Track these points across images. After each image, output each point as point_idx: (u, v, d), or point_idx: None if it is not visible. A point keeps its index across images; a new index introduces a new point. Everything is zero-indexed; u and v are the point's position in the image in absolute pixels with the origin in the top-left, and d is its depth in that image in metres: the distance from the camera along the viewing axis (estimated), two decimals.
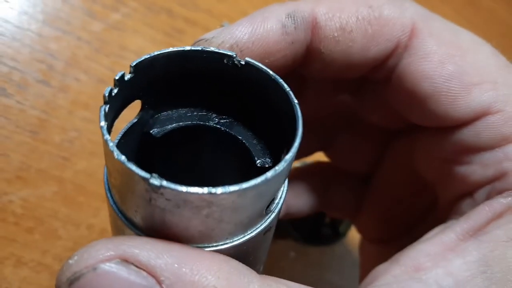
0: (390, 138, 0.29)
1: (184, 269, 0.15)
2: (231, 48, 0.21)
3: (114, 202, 0.18)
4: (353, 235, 0.44)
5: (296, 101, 0.18)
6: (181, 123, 0.21)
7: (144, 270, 0.15)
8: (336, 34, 0.22)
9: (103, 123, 0.16)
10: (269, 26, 0.21)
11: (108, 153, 0.15)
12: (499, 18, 0.69)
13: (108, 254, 0.15)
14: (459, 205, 0.24)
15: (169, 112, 0.21)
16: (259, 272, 0.18)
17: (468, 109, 0.22)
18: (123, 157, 0.14)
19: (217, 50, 0.19)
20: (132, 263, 0.15)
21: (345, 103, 0.29)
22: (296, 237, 0.40)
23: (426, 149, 0.25)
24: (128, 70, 0.18)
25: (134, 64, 0.18)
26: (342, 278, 0.43)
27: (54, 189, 0.35)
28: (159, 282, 0.15)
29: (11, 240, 0.33)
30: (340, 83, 0.27)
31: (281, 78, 0.19)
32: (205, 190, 0.14)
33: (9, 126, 0.35)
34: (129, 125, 0.20)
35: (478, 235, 0.20)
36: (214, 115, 0.22)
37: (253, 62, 0.19)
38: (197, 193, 0.14)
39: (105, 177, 0.18)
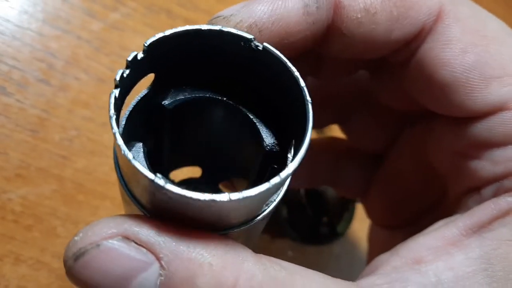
0: (405, 123, 0.28)
1: (181, 247, 0.16)
2: (249, 27, 0.20)
3: (122, 177, 0.18)
4: (351, 235, 0.44)
5: (309, 99, 0.17)
6: (193, 95, 0.21)
7: (144, 247, 0.16)
8: (359, 16, 0.21)
9: (112, 113, 0.16)
10: (290, 5, 0.20)
11: (117, 145, 0.15)
12: (500, 18, 0.69)
13: (110, 232, 0.16)
14: (466, 200, 0.23)
15: (181, 86, 0.21)
16: (253, 247, 0.18)
17: (484, 102, 0.21)
18: (130, 156, 0.15)
19: (235, 32, 0.18)
20: (133, 241, 0.16)
21: (363, 81, 0.28)
22: (294, 237, 0.40)
23: (439, 139, 0.25)
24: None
25: (148, 43, 0.17)
26: (340, 277, 0.43)
27: (53, 187, 0.35)
28: (158, 259, 0.16)
29: (10, 237, 0.33)
30: (358, 61, 0.26)
31: (298, 61, 0.18)
32: (207, 196, 0.14)
33: (9, 125, 0.35)
34: (140, 95, 0.20)
35: (481, 232, 0.20)
36: (225, 94, 0.21)
37: (270, 49, 0.18)
38: (198, 199, 0.15)
39: (115, 152, 0.18)
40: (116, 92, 0.16)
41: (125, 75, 0.17)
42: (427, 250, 0.20)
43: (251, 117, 0.21)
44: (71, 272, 0.16)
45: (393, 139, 0.29)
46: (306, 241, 0.40)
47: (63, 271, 0.37)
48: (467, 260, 0.19)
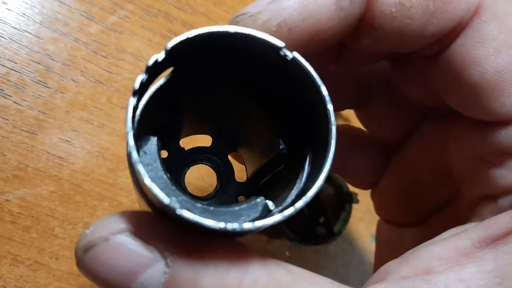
0: (424, 116, 0.27)
1: (187, 247, 0.16)
2: (278, 26, 0.18)
3: (137, 180, 0.18)
4: (348, 235, 0.45)
5: (334, 122, 0.17)
6: (214, 87, 0.20)
7: (151, 244, 0.16)
8: (393, 10, 0.19)
9: (129, 127, 0.15)
10: (321, 0, 0.19)
11: (131, 163, 0.15)
12: None
13: (120, 227, 0.16)
14: (481, 207, 0.23)
15: (200, 79, 0.20)
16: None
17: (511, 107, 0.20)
18: (147, 180, 0.15)
19: (265, 38, 0.17)
20: (141, 237, 0.16)
21: (384, 69, 0.27)
22: (291, 237, 0.40)
23: (459, 139, 0.24)
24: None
25: (170, 46, 0.16)
26: (337, 277, 0.43)
27: (51, 188, 0.35)
28: (164, 257, 0.16)
29: (8, 238, 0.33)
30: (382, 53, 0.25)
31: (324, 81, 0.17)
32: (220, 225, 0.15)
33: (7, 127, 0.35)
34: (158, 85, 0.19)
35: (496, 245, 0.19)
36: (243, 93, 0.21)
37: (300, 61, 0.17)
38: (210, 227, 0.15)
39: (128, 150, 0.18)
40: (134, 101, 0.16)
41: (144, 81, 0.16)
42: (438, 260, 0.19)
43: (270, 113, 0.21)
44: (80, 264, 0.16)
45: (410, 131, 0.28)
46: (303, 241, 0.41)
47: (61, 271, 0.37)
48: (479, 273, 0.18)
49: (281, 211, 0.16)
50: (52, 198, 0.35)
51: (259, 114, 0.21)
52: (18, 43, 0.38)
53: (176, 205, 0.15)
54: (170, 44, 0.16)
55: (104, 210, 0.36)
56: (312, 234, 0.41)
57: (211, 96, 0.21)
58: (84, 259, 0.16)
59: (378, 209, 0.32)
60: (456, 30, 0.20)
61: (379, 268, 0.21)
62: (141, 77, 0.16)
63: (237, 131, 0.25)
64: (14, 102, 0.36)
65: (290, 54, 0.17)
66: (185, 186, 0.25)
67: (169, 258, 0.16)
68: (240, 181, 0.26)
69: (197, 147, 0.26)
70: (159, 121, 0.20)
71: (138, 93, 0.16)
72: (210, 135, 0.27)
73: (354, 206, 0.43)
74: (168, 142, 0.23)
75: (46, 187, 0.35)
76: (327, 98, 0.17)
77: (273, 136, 0.21)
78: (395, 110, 0.29)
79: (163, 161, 0.18)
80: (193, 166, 0.26)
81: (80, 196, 0.36)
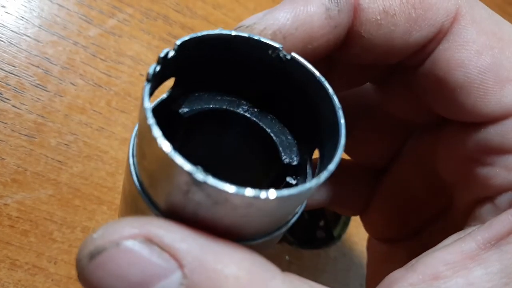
0: (411, 133, 0.28)
1: (207, 256, 0.15)
2: (274, 34, 0.20)
3: (140, 182, 0.17)
4: (348, 239, 0.45)
5: (339, 105, 0.17)
6: (210, 106, 0.21)
7: (167, 252, 0.14)
8: (379, 18, 0.21)
9: (147, 104, 0.15)
10: (312, 10, 0.20)
11: (149, 139, 0.14)
12: None
13: (133, 231, 0.14)
14: (478, 210, 0.22)
15: (200, 93, 0.21)
16: None
17: (498, 105, 0.21)
18: (170, 149, 0.14)
19: (264, 40, 0.18)
20: (156, 244, 0.14)
21: (368, 90, 0.28)
22: (290, 241, 0.40)
23: (449, 145, 0.24)
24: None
25: (179, 42, 0.17)
26: (337, 281, 0.43)
27: (49, 192, 0.35)
28: (181, 266, 0.14)
29: (6, 243, 0.33)
30: (368, 69, 0.26)
31: (325, 78, 0.18)
32: (250, 192, 0.14)
33: (5, 130, 0.35)
34: (158, 100, 0.19)
35: (500, 245, 0.19)
36: (245, 103, 0.21)
37: (298, 59, 0.18)
38: (242, 195, 0.14)
39: (131, 154, 0.18)
40: (148, 86, 0.16)
41: (157, 70, 0.16)
42: (444, 265, 0.19)
43: (268, 131, 0.21)
44: (84, 273, 0.14)
45: (397, 150, 0.29)
46: (302, 245, 0.40)
47: (59, 276, 0.37)
48: (486, 275, 0.18)
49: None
50: (51, 202, 0.35)
51: (259, 141, 0.21)
52: (17, 47, 0.38)
53: (201, 176, 0.13)
54: (180, 40, 0.17)
55: (103, 214, 0.36)
56: (312, 238, 0.41)
57: (208, 119, 0.21)
58: (88, 267, 0.14)
59: (368, 229, 0.32)
60: (438, 36, 0.21)
61: (382, 279, 0.20)
62: (154, 65, 0.16)
63: (234, 167, 0.24)
64: (13, 106, 0.36)
65: (288, 55, 0.18)
66: None
67: (187, 268, 0.14)
68: None
69: None
70: None
71: (151, 82, 0.16)
72: None
73: None
74: None
75: (45, 191, 0.35)
76: (330, 88, 0.18)
77: (275, 164, 0.21)
78: (380, 132, 0.29)
79: None
80: None
81: (79, 200, 0.36)
